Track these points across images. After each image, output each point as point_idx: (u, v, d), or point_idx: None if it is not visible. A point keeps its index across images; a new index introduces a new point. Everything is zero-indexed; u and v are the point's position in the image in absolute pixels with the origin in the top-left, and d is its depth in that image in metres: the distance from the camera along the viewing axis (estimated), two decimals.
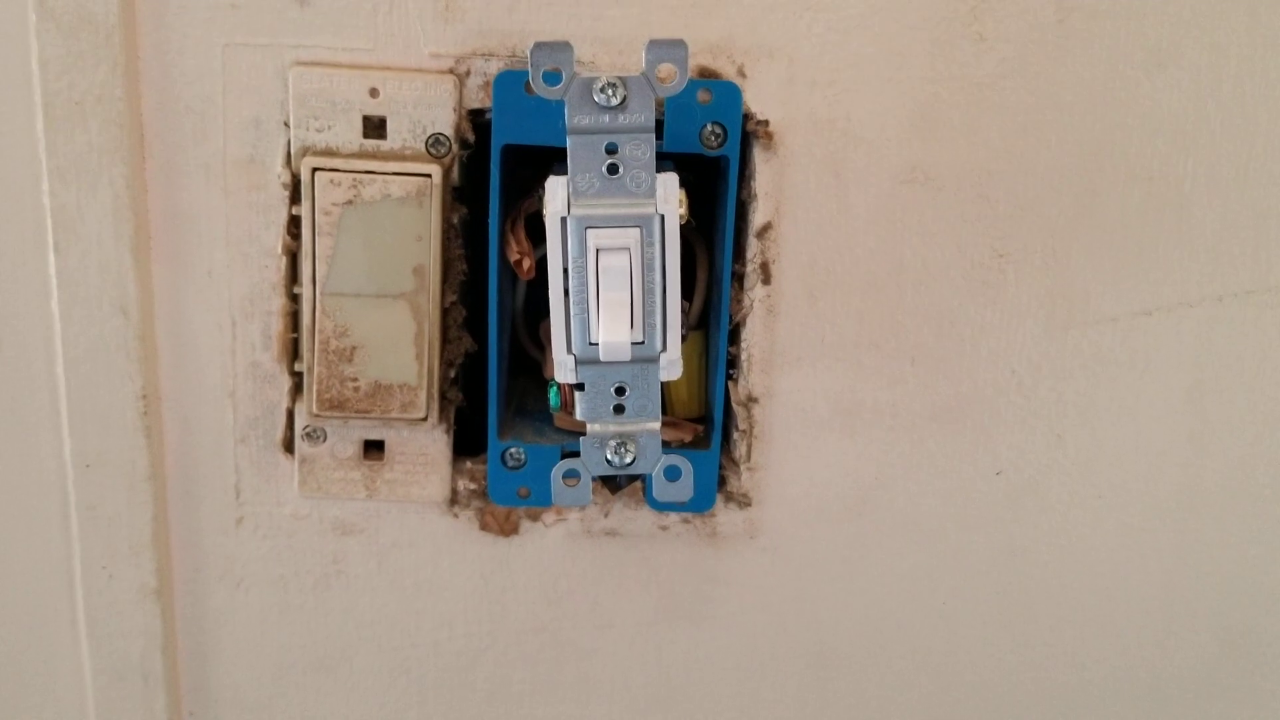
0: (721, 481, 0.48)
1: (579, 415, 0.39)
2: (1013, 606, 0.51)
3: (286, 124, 0.44)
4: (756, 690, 0.52)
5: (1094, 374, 0.48)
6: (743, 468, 0.48)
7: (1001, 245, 0.46)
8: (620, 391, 0.38)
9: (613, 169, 0.37)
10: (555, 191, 0.37)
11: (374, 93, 0.43)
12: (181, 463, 0.48)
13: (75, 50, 0.42)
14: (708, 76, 0.43)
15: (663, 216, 0.37)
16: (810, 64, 0.44)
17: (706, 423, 0.47)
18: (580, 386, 0.38)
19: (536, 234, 0.42)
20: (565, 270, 0.37)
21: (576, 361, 0.38)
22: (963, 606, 0.51)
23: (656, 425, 0.39)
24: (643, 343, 0.38)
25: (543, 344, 0.47)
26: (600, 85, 0.36)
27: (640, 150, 0.37)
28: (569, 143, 0.37)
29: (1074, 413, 0.48)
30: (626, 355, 0.37)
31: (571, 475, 0.39)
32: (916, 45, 0.44)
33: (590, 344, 0.37)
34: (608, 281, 0.37)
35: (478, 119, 0.44)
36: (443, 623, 0.50)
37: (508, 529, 0.49)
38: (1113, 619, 0.51)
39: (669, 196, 0.37)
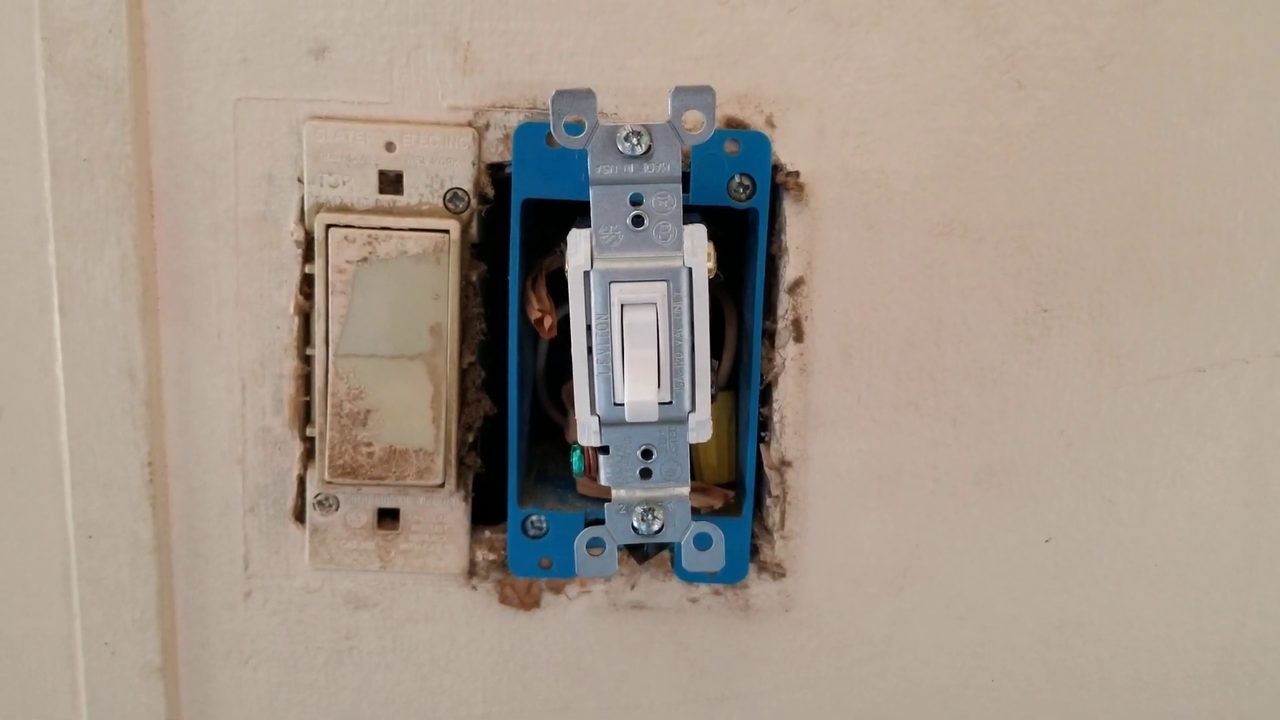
0: (754, 551, 0.47)
1: (603, 480, 0.38)
2: (1064, 684, 0.50)
3: (300, 180, 0.43)
4: None
5: (1146, 435, 0.47)
6: (776, 536, 0.47)
7: (1045, 300, 0.45)
8: (647, 455, 0.37)
9: (638, 221, 0.36)
10: (578, 244, 0.36)
11: (390, 147, 0.42)
12: (188, 533, 0.47)
13: (84, 106, 0.42)
14: (735, 127, 0.43)
15: (690, 270, 0.36)
16: (841, 113, 0.43)
17: (737, 488, 0.46)
18: (605, 450, 0.37)
19: (558, 292, 0.42)
20: (588, 327, 0.37)
21: (601, 423, 0.37)
22: (1012, 685, 0.49)
23: (685, 490, 0.38)
24: (670, 403, 0.37)
25: (565, 407, 0.47)
26: (624, 134, 0.36)
27: (666, 201, 0.36)
28: (592, 194, 0.36)
29: (1126, 476, 0.47)
30: (653, 416, 0.37)
31: (596, 544, 0.38)
32: (951, 93, 0.43)
33: (615, 404, 0.37)
34: (633, 338, 0.36)
35: (497, 173, 0.44)
36: (460, 701, 0.49)
37: (529, 602, 0.48)
38: (1170, 696, 0.50)
39: (697, 249, 0.36)
